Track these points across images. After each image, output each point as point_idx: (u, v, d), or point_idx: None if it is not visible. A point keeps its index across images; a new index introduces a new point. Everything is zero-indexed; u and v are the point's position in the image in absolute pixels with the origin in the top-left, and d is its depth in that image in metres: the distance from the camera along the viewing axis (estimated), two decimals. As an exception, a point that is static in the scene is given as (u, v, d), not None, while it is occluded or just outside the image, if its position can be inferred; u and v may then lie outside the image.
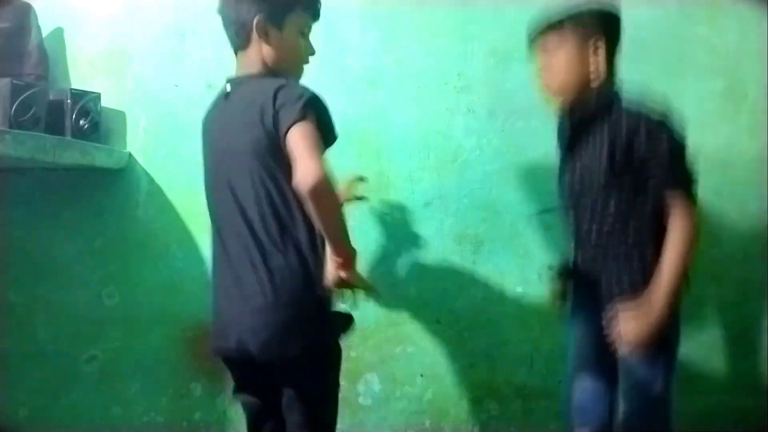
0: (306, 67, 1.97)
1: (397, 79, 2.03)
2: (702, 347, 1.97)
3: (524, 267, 2.04)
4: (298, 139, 1.25)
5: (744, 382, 1.98)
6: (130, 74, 2.06)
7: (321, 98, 1.35)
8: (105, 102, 2.02)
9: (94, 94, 1.98)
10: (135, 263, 2.06)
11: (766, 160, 2.01)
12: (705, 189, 1.99)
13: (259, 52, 1.39)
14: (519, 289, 2.04)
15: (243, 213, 1.35)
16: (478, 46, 2.03)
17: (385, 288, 2.03)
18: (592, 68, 1.47)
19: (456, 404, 2.04)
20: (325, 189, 1.23)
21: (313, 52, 1.47)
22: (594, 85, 1.49)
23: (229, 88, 1.42)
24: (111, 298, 2.07)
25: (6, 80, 1.74)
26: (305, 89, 1.32)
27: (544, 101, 1.58)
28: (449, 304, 2.03)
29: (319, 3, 1.48)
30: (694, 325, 1.98)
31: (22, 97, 1.74)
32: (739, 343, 1.99)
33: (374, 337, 2.03)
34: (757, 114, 2.02)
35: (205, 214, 2.01)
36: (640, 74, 2.00)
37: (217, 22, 2.04)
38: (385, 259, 2.04)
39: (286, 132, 1.26)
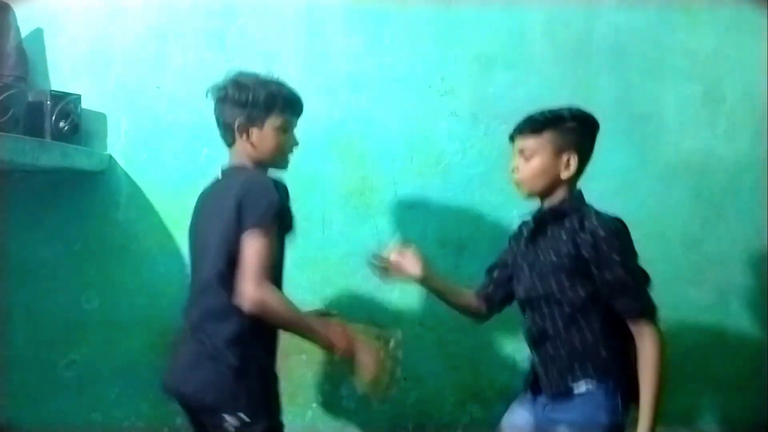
0: (290, 70, 1.98)
1: (380, 83, 2.03)
2: (680, 350, 1.99)
3: (507, 270, 2.05)
4: (247, 249, 1.42)
5: (723, 383, 2.01)
6: (111, 76, 2.04)
7: (280, 192, 1.51)
8: (85, 104, 1.99)
9: (75, 96, 1.95)
10: (115, 267, 2.04)
11: (743, 164, 2.04)
12: (683, 192, 2.04)
13: (244, 148, 1.57)
14: (501, 292, 2.05)
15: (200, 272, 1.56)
16: (462, 50, 2.04)
17: (368, 291, 2.04)
18: (562, 177, 1.53)
19: (439, 407, 2.05)
20: (260, 309, 1.41)
21: (296, 144, 1.62)
22: (560, 189, 1.54)
23: (220, 176, 1.61)
24: (91, 302, 2.04)
25: (-16, 82, 1.72)
26: (268, 188, 1.47)
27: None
28: (432, 307, 2.03)
29: (298, 101, 1.60)
30: (673, 328, 2.00)
31: (0, 99, 1.72)
32: (718, 346, 2.02)
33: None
34: (735, 118, 2.06)
35: (186, 218, 2.02)
36: (619, 79, 2.04)
37: (199, 24, 2.06)
38: (368, 263, 2.04)
39: (245, 231, 1.43)
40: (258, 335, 1.49)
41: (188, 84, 2.03)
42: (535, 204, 1.60)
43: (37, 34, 2.04)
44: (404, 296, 2.04)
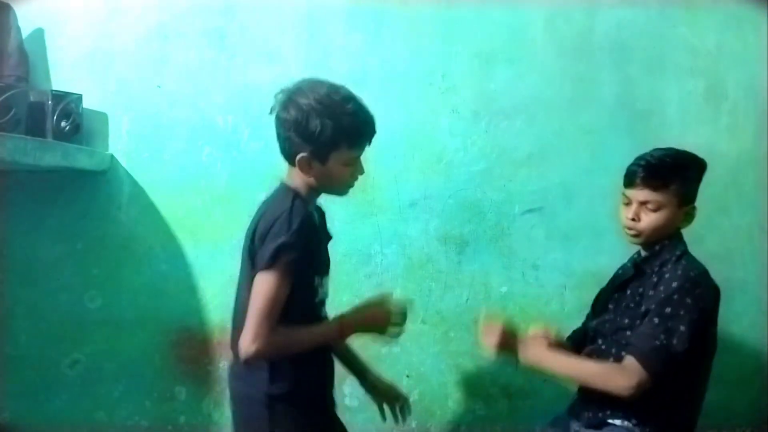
0: (291, 69, 1.97)
1: (381, 81, 2.03)
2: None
3: (509, 267, 2.05)
4: (254, 295, 1.31)
5: (725, 379, 2.00)
6: (113, 75, 2.04)
7: (304, 229, 1.36)
8: (87, 103, 1.99)
9: (76, 96, 1.95)
10: (118, 266, 2.04)
11: (746, 160, 2.04)
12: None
13: (301, 176, 1.41)
14: (504, 289, 2.05)
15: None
16: (462, 47, 2.04)
17: (370, 288, 2.04)
18: (680, 228, 1.54)
19: (442, 404, 2.05)
20: (260, 358, 1.31)
21: (361, 173, 1.46)
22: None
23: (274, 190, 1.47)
24: (94, 301, 2.05)
25: (-15, 82, 1.72)
26: (291, 224, 1.33)
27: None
28: (434, 304, 2.04)
29: (370, 131, 1.42)
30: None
31: (1, 99, 1.72)
32: (720, 342, 2.01)
33: (360, 338, 2.03)
34: (737, 114, 2.06)
35: (188, 217, 2.03)
36: (621, 75, 2.04)
37: (200, 23, 2.05)
38: (370, 260, 2.04)
39: (258, 271, 1.32)
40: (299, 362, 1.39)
41: (189, 83, 2.03)
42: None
43: (38, 34, 2.04)
44: (406, 294, 2.04)
